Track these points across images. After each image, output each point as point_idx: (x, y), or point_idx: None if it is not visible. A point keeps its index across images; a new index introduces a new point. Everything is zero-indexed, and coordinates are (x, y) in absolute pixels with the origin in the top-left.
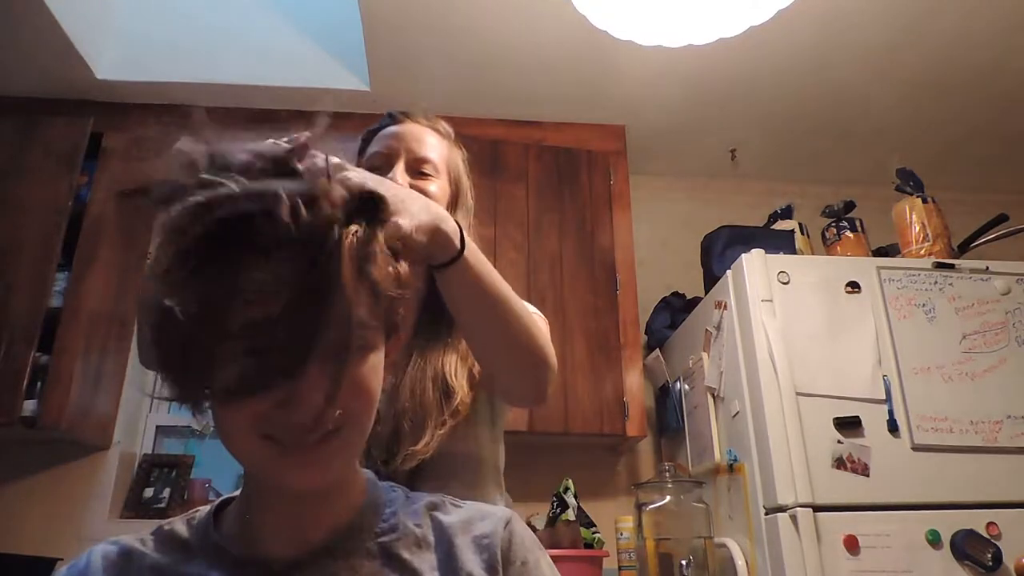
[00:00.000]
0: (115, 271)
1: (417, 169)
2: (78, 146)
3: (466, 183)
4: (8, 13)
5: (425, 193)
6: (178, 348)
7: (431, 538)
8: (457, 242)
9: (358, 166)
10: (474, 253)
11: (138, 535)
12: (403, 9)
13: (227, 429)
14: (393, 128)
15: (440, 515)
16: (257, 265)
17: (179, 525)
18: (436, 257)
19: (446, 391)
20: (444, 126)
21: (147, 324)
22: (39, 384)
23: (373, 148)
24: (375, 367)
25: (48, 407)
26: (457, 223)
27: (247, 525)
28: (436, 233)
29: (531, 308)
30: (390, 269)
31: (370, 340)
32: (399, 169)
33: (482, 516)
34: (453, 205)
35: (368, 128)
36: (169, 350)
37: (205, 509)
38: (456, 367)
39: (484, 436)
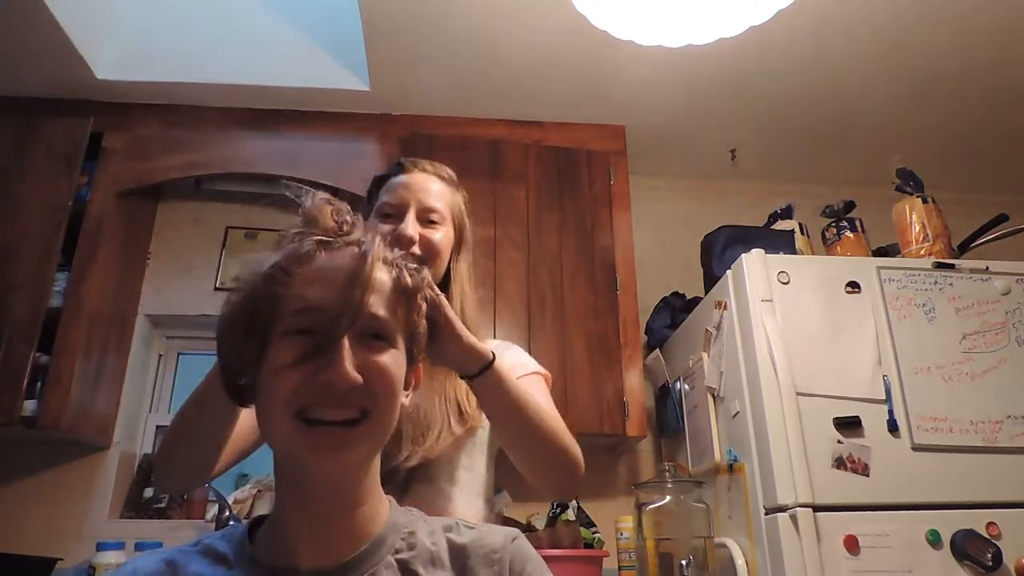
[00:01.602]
0: (115, 271)
1: (426, 218)
2: (78, 146)
3: (467, 223)
4: (8, 13)
5: (432, 241)
6: (244, 323)
7: (445, 558)
8: (488, 357)
9: (370, 209)
10: (503, 370)
11: (178, 548)
12: (403, 9)
13: (269, 406)
14: (403, 178)
15: (454, 536)
16: (323, 264)
17: (216, 541)
18: (468, 368)
19: (459, 412)
20: (447, 172)
21: (227, 308)
22: (39, 384)
23: (384, 197)
24: (396, 361)
25: (48, 407)
26: (492, 354)
27: (279, 538)
28: (471, 344)
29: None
30: (425, 296)
31: (391, 334)
32: (411, 219)
33: (491, 533)
34: (457, 247)
35: (378, 175)
36: (238, 326)
37: (241, 526)
38: (467, 391)
39: (477, 451)
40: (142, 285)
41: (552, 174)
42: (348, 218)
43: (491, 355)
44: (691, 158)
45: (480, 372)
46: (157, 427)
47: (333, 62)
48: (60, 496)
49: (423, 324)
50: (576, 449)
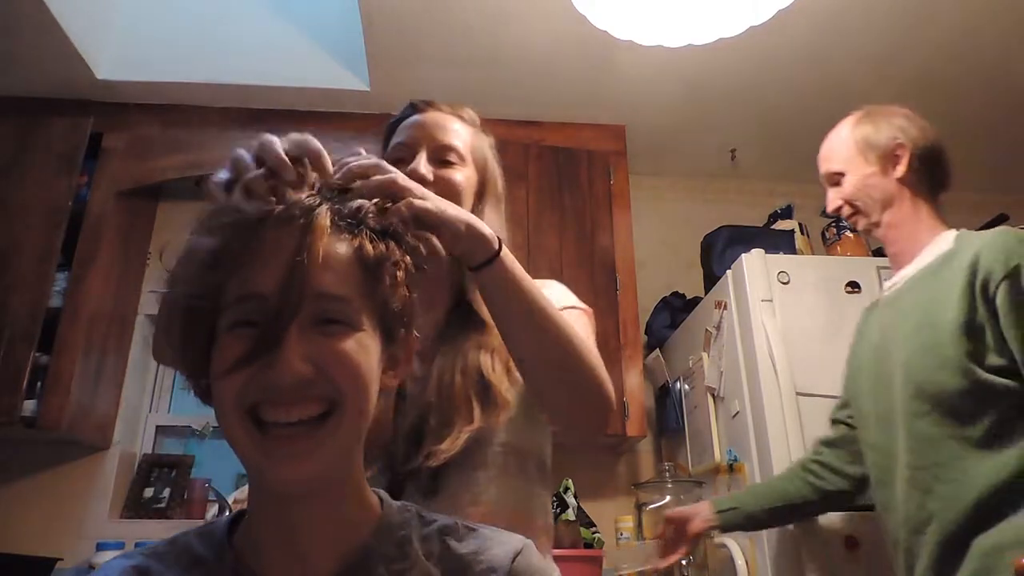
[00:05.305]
0: (115, 271)
1: (441, 158)
2: (78, 146)
3: (494, 169)
4: (8, 13)
5: (450, 182)
6: (183, 324)
7: (437, 573)
8: (494, 243)
9: (383, 159)
10: (511, 259)
11: (154, 547)
12: (403, 9)
13: (221, 411)
14: (416, 117)
15: (452, 542)
16: (268, 243)
17: (194, 540)
18: (473, 256)
19: (482, 385)
20: (469, 113)
21: (165, 308)
22: (39, 384)
23: (396, 139)
24: (362, 346)
25: (48, 407)
26: (498, 237)
27: (260, 546)
28: (470, 228)
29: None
30: (399, 262)
31: (351, 316)
32: (422, 158)
33: (494, 544)
34: (480, 193)
35: (391, 119)
36: (177, 327)
37: (221, 523)
38: (493, 361)
39: (520, 424)
40: (142, 285)
41: (552, 174)
42: (287, 175)
43: (497, 241)
44: (691, 158)
45: (484, 263)
46: (157, 427)
47: (333, 62)
48: (60, 496)
49: (400, 294)
50: (608, 382)
